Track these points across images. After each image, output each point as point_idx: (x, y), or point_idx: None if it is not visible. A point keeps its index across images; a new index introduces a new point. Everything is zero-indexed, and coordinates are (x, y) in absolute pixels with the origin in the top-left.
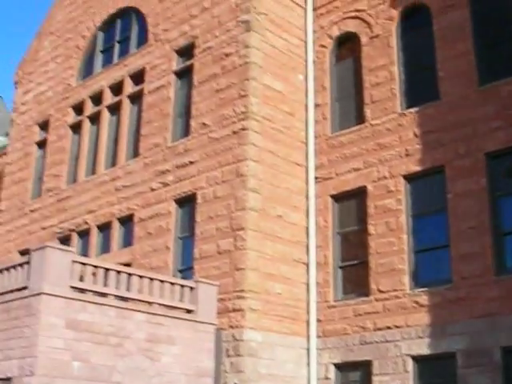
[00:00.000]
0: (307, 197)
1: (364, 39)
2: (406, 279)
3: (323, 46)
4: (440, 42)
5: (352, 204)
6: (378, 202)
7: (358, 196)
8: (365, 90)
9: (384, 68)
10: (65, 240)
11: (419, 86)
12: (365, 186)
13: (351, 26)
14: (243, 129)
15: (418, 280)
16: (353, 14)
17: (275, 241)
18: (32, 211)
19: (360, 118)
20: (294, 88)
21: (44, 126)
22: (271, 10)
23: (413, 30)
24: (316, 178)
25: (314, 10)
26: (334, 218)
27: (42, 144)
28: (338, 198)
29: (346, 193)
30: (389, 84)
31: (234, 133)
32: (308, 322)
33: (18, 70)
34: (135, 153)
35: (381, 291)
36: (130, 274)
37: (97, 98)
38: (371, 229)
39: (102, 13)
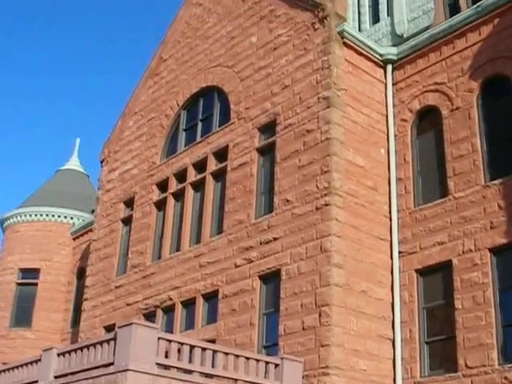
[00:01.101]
0: (392, 271)
1: (445, 112)
2: (495, 354)
3: (404, 120)
4: None
5: (437, 278)
6: (463, 275)
7: (443, 270)
8: (447, 162)
9: (466, 140)
10: (149, 316)
11: (502, 158)
12: (450, 260)
13: (431, 100)
14: (326, 204)
15: (507, 355)
16: (432, 87)
17: (360, 316)
18: (117, 287)
19: (443, 191)
20: (376, 162)
21: (129, 203)
22: (351, 85)
23: (494, 100)
24: (400, 252)
25: (394, 84)
26: (420, 293)
27: (127, 221)
28: (423, 272)
29: (431, 267)
30: (471, 156)
31: (317, 209)
32: None
33: (103, 148)
34: (219, 229)
35: (469, 367)
36: (215, 351)
37: (181, 176)
38: (458, 303)
39: (185, 92)
